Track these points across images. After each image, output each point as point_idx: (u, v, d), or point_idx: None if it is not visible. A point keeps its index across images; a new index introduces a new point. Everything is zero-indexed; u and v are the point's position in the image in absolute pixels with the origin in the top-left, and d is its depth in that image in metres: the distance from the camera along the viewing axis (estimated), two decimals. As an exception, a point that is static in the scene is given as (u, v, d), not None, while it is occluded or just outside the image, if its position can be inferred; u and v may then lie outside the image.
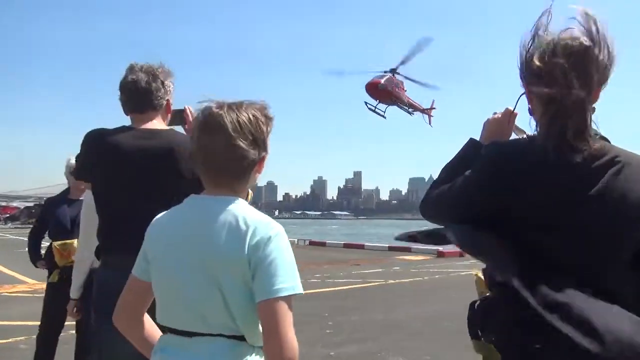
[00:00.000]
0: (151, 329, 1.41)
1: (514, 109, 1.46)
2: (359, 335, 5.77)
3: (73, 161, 3.87)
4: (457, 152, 1.50)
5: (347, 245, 21.00)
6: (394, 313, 7.05)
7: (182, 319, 1.24)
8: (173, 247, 1.27)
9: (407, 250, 18.39)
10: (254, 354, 1.23)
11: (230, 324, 1.21)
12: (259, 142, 1.29)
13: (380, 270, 12.09)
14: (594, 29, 1.21)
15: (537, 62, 1.23)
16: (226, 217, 1.22)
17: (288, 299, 1.18)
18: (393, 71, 33.99)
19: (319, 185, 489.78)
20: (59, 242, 3.66)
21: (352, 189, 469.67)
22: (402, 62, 33.99)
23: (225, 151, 1.25)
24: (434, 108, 36.29)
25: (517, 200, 1.21)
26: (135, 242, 2.02)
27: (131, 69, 2.16)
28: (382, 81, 32.27)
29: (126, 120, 2.20)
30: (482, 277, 1.36)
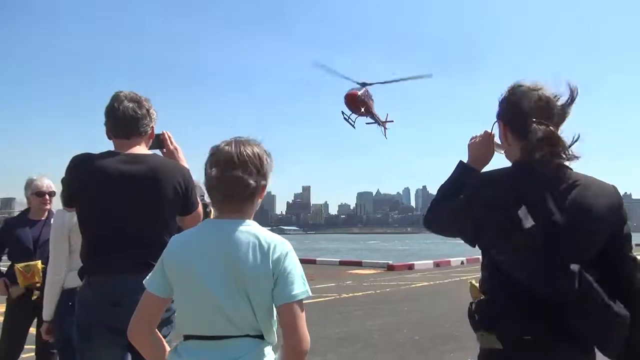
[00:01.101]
0: (162, 342, 1.58)
1: (491, 131, 1.78)
2: (317, 348, 5.91)
3: (38, 182, 3.86)
4: (450, 175, 1.80)
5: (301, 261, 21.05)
6: (349, 326, 7.25)
7: (213, 325, 1.43)
8: (202, 265, 1.45)
9: (358, 264, 18.79)
10: (271, 349, 1.49)
11: (255, 325, 1.45)
12: (260, 173, 1.52)
13: (333, 284, 12.29)
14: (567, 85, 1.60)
15: (521, 105, 1.59)
16: (247, 237, 1.46)
17: (302, 301, 1.46)
18: (364, 84, 35.55)
19: (268, 200, 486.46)
20: (22, 264, 3.61)
21: (301, 204, 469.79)
22: (382, 83, 36.07)
23: (233, 181, 1.48)
24: (391, 121, 37.98)
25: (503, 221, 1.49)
26: (119, 263, 2.13)
27: (117, 97, 2.27)
28: (360, 93, 34.13)
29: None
30: (476, 284, 1.66)
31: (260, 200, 1.59)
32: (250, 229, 1.49)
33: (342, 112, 35.64)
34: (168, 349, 1.56)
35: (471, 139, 1.83)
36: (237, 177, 1.48)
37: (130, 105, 2.25)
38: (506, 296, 1.52)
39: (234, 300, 1.43)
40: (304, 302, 1.47)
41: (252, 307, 1.44)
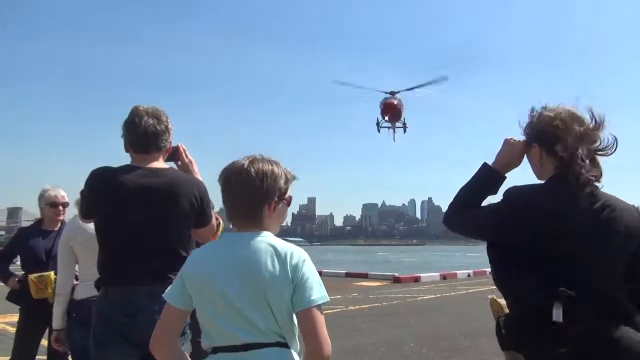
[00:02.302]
0: (184, 356, 1.63)
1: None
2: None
3: (52, 192, 3.93)
4: (472, 176, 1.85)
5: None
6: (357, 338, 7.23)
7: (240, 334, 1.47)
8: (221, 275, 1.51)
9: (364, 276, 18.73)
10: (295, 355, 1.53)
11: (279, 332, 1.49)
12: (274, 189, 1.59)
13: (339, 296, 12.27)
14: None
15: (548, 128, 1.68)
16: (265, 246, 1.52)
17: (320, 307, 1.50)
18: (393, 93, 38.08)
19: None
20: (35, 275, 3.65)
21: (306, 215, 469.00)
22: (409, 89, 38.18)
23: (244, 196, 1.56)
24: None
25: (540, 236, 1.57)
26: (136, 275, 2.18)
27: (137, 112, 2.33)
28: (396, 102, 36.85)
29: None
30: (497, 299, 1.71)
31: (280, 215, 1.66)
32: (266, 239, 1.55)
33: (378, 120, 38.24)
34: None
35: (507, 140, 1.85)
36: (247, 192, 1.55)
37: (151, 121, 2.31)
38: (533, 314, 1.53)
39: (256, 308, 1.48)
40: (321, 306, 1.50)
41: (274, 315, 1.48)
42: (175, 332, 1.61)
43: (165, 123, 2.36)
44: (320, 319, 1.48)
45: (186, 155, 2.54)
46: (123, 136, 2.37)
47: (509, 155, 1.83)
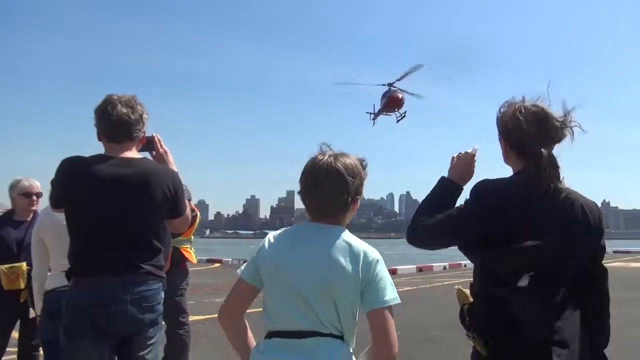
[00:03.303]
0: (247, 330, 1.67)
1: (476, 151, 1.91)
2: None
3: (26, 182, 3.86)
4: (432, 189, 1.89)
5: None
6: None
7: (299, 321, 1.51)
8: (294, 263, 1.55)
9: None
10: (351, 350, 1.57)
11: (338, 326, 1.52)
12: (355, 184, 1.62)
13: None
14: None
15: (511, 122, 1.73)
16: (340, 242, 1.56)
17: (392, 307, 1.56)
18: (390, 85, 41.29)
19: (252, 204, 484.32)
20: (7, 266, 3.61)
21: (285, 208, 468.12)
22: (399, 79, 41.20)
23: (335, 190, 1.59)
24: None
25: (507, 229, 1.61)
26: (107, 265, 2.16)
27: (110, 101, 2.29)
28: (401, 96, 40.20)
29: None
30: (463, 289, 1.78)
31: (354, 211, 1.69)
32: (344, 236, 1.59)
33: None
34: (253, 342, 1.65)
35: (453, 157, 1.93)
36: (339, 190, 1.59)
37: (124, 110, 2.27)
38: (495, 304, 1.62)
39: (322, 300, 1.52)
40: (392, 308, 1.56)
41: (338, 310, 1.52)
42: (244, 306, 1.66)
43: (140, 112, 2.33)
44: (391, 319, 1.53)
45: (161, 146, 2.53)
46: (95, 124, 2.33)
47: (460, 168, 1.90)
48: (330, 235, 1.59)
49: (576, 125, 1.73)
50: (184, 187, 4.40)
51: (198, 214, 4.65)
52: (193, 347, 5.14)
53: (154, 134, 2.52)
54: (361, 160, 1.67)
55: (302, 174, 1.66)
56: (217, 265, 21.53)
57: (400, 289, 11.40)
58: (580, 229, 1.68)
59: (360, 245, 1.58)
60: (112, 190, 2.20)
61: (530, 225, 1.62)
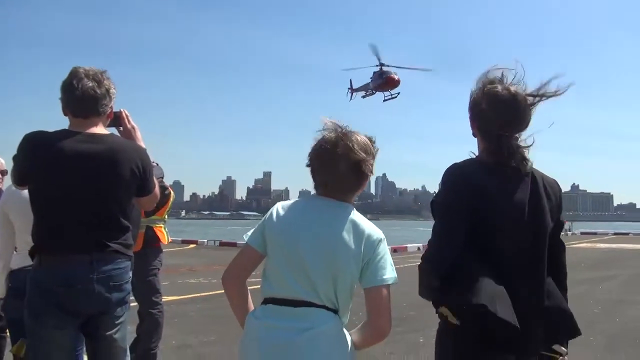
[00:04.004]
0: (248, 296, 1.69)
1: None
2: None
3: None
4: None
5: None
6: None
7: (297, 291, 1.55)
8: (300, 234, 1.58)
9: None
10: (343, 325, 1.59)
11: (333, 300, 1.55)
12: (367, 163, 1.63)
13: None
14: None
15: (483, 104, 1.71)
16: (348, 220, 1.60)
17: (389, 286, 1.59)
18: (383, 65, 43.49)
19: (228, 185, 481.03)
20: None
21: (261, 190, 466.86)
22: (396, 67, 44.34)
23: (348, 167, 1.60)
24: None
25: (483, 206, 1.62)
26: (73, 243, 2.11)
27: (76, 74, 2.21)
28: (397, 77, 42.95)
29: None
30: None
31: (363, 188, 1.70)
32: (351, 214, 1.62)
33: (370, 89, 44.70)
34: (252, 307, 1.67)
35: None
36: (347, 165, 1.59)
37: (90, 84, 2.19)
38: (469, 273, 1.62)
39: (322, 274, 1.54)
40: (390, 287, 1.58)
41: (335, 284, 1.55)
42: (248, 270, 1.67)
43: (107, 86, 2.25)
44: (388, 298, 1.57)
45: (129, 121, 2.45)
46: (61, 98, 2.25)
47: None
48: (338, 211, 1.62)
49: (545, 98, 1.74)
50: (155, 164, 4.36)
51: (172, 192, 4.60)
52: (166, 327, 5.12)
53: (122, 110, 2.43)
54: (370, 138, 1.68)
55: (313, 149, 1.66)
56: (192, 246, 21.45)
57: (375, 269, 11.54)
58: (543, 205, 1.73)
59: (366, 224, 1.62)
60: (78, 167, 2.13)
61: (496, 203, 1.65)
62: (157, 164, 4.33)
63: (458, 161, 1.76)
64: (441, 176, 1.74)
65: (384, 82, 42.76)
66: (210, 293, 8.35)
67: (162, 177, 4.31)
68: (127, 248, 2.25)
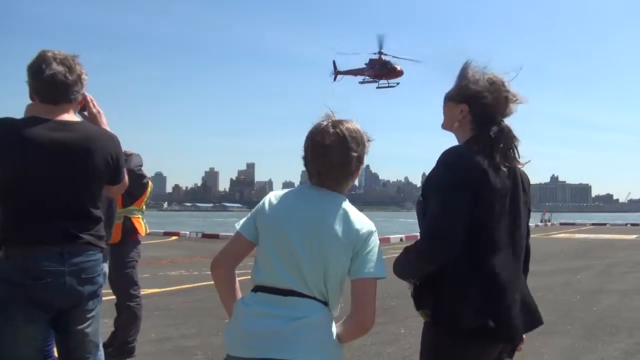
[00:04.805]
0: (236, 284, 1.67)
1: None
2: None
3: None
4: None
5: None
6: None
7: (287, 281, 1.52)
8: (291, 224, 1.56)
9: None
10: (332, 317, 1.57)
11: (323, 291, 1.52)
12: (359, 152, 1.60)
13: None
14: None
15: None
16: (338, 209, 1.57)
17: (376, 281, 1.54)
18: (381, 53, 45.58)
19: (211, 176, 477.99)
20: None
21: (244, 181, 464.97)
22: (392, 56, 46.16)
23: (341, 156, 1.58)
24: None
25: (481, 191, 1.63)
26: (42, 235, 2.03)
27: (45, 58, 2.10)
28: (399, 68, 44.94)
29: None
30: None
31: (356, 178, 1.66)
32: (343, 204, 1.59)
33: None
34: (239, 295, 1.65)
35: None
36: (341, 154, 1.57)
37: (61, 69, 2.09)
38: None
39: (312, 264, 1.52)
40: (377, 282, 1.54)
41: (325, 275, 1.52)
42: (238, 258, 1.66)
43: (78, 72, 2.15)
44: (373, 291, 1.53)
45: (94, 106, 2.34)
46: (28, 83, 2.14)
47: None
48: (331, 201, 1.59)
49: (521, 102, 1.78)
50: (135, 154, 4.27)
51: (150, 182, 4.51)
52: (146, 320, 5.05)
53: (86, 94, 2.31)
54: (361, 129, 1.65)
55: (307, 139, 1.63)
56: (174, 238, 21.23)
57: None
58: (526, 196, 1.78)
59: (357, 215, 1.59)
60: (48, 155, 2.04)
61: (494, 190, 1.64)
62: (137, 154, 4.24)
63: (452, 148, 1.73)
64: (439, 157, 1.70)
65: (388, 71, 44.38)
66: (192, 285, 8.28)
67: (141, 166, 4.21)
68: (99, 239, 2.18)
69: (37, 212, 2.06)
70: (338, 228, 1.53)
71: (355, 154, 1.59)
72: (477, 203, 1.60)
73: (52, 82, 2.09)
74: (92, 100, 2.34)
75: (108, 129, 2.35)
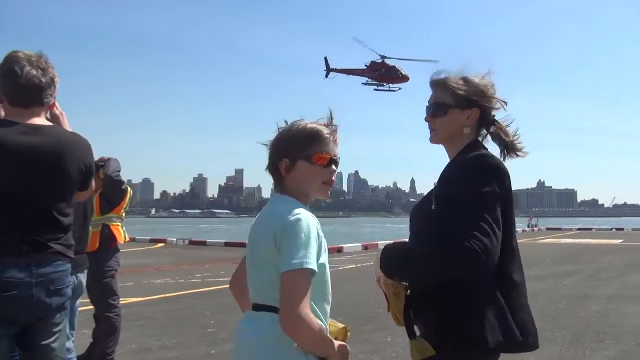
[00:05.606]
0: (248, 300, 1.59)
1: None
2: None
3: None
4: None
5: (228, 244, 20.64)
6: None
7: (252, 293, 1.50)
8: (251, 234, 1.54)
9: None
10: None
11: (274, 296, 1.42)
12: (289, 146, 1.53)
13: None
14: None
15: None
16: (270, 210, 1.52)
17: (298, 271, 1.37)
18: (384, 57, 47.55)
19: (199, 183, 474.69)
20: None
21: (233, 187, 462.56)
22: (398, 59, 47.29)
23: (269, 155, 1.57)
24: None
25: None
26: (10, 245, 1.92)
27: (16, 60, 2.02)
28: (405, 73, 46.42)
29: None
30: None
31: (307, 178, 1.53)
32: (277, 202, 1.52)
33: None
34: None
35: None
36: (270, 155, 1.56)
37: (34, 72, 2.01)
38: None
39: (256, 270, 1.49)
40: (304, 274, 1.37)
41: (272, 282, 1.42)
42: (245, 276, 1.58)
43: (51, 75, 2.08)
44: (298, 283, 1.36)
45: (56, 107, 2.25)
46: None
47: None
48: (270, 203, 1.57)
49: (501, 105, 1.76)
50: (113, 158, 4.15)
51: (129, 188, 4.38)
52: (127, 330, 4.93)
53: None
54: (315, 123, 1.56)
55: None
56: (160, 245, 20.98)
57: (346, 267, 11.55)
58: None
59: (280, 209, 1.45)
60: (18, 160, 1.95)
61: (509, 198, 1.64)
62: (115, 158, 4.13)
63: (486, 154, 1.66)
64: (468, 163, 1.60)
65: (394, 76, 45.71)
66: (176, 294, 8.15)
67: (119, 171, 4.09)
68: (68, 249, 2.08)
69: (3, 221, 1.96)
70: (264, 229, 1.47)
71: (276, 151, 1.55)
72: (507, 210, 1.58)
73: (25, 86, 2.01)
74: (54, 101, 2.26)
75: (69, 129, 2.26)
